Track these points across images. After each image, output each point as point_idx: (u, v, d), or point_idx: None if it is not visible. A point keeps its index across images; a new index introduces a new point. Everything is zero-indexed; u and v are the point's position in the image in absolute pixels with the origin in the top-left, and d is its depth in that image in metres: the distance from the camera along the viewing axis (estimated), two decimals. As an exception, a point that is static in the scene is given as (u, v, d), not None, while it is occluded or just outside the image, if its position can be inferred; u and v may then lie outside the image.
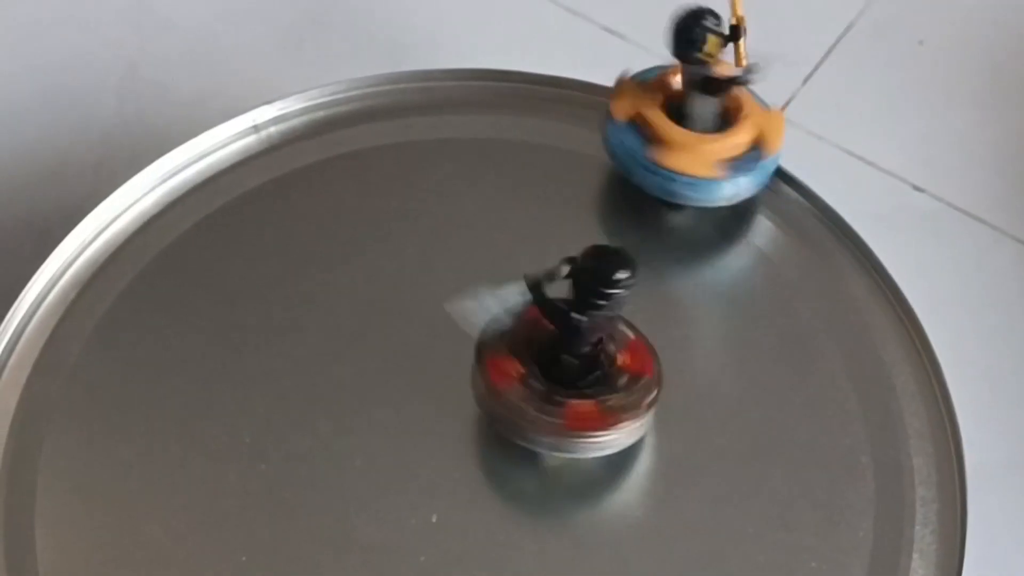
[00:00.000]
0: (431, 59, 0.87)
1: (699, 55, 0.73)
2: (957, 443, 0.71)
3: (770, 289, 0.76)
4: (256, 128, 0.82)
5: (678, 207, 0.78)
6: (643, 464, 0.70)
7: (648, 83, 0.77)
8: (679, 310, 0.76)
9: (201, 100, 0.94)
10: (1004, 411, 0.86)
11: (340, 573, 0.68)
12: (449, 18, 1.01)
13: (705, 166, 0.73)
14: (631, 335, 0.68)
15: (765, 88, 0.95)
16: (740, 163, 0.74)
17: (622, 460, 0.70)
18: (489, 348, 0.68)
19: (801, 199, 0.80)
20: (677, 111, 0.75)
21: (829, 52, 1.01)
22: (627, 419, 0.66)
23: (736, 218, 0.79)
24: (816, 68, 1.01)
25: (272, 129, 0.83)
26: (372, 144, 0.82)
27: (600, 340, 0.67)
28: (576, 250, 0.69)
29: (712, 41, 0.72)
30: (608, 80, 0.81)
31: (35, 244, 0.78)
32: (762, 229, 0.79)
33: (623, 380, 0.67)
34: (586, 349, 0.67)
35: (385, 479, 0.70)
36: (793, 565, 0.67)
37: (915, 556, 0.68)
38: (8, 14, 1.05)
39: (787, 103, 0.99)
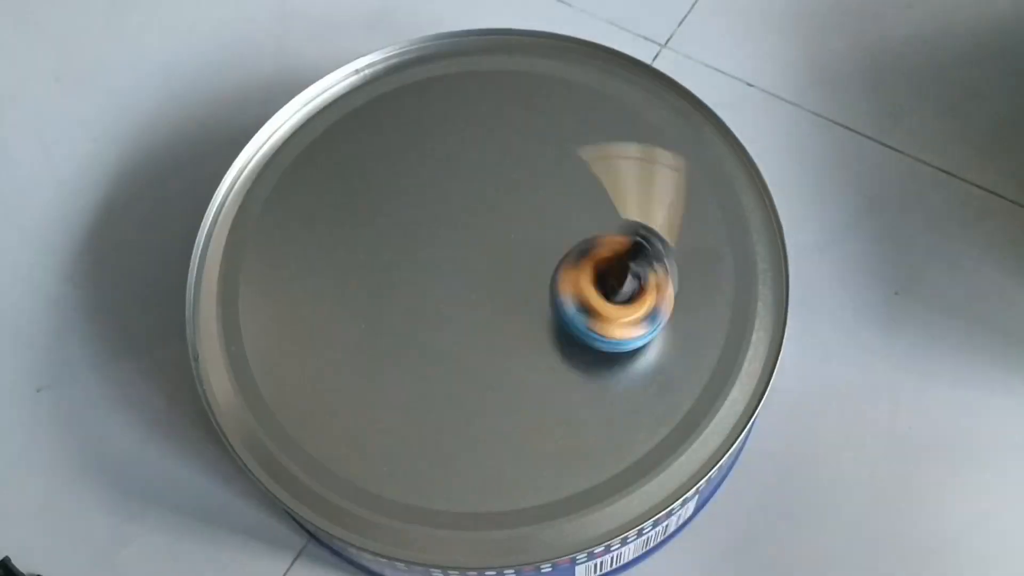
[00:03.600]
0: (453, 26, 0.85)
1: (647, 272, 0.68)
2: (781, 236, 0.74)
3: (663, 152, 0.76)
4: (358, 71, 0.83)
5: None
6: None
7: (583, 260, 0.69)
8: (600, 168, 0.74)
9: (325, 56, 0.91)
10: (810, 216, 0.89)
11: (406, 361, 0.72)
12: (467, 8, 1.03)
13: (623, 332, 0.68)
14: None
15: (655, 29, 1.00)
16: (645, 324, 0.68)
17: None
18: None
19: (680, 94, 0.80)
20: (602, 279, 0.68)
21: (693, 7, 1.00)
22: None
23: (642, 110, 0.79)
24: (686, 16, 1.00)
25: (367, 71, 0.83)
26: (426, 77, 0.82)
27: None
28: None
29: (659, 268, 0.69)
30: (571, 32, 0.83)
31: (228, 148, 0.80)
32: (657, 113, 0.79)
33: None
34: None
35: (438, 300, 0.74)
36: (689, 307, 0.71)
37: (759, 303, 0.73)
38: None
39: (668, 40, 0.98)
